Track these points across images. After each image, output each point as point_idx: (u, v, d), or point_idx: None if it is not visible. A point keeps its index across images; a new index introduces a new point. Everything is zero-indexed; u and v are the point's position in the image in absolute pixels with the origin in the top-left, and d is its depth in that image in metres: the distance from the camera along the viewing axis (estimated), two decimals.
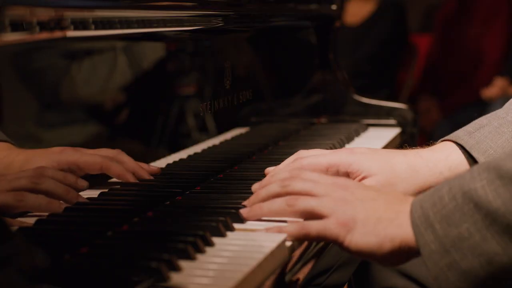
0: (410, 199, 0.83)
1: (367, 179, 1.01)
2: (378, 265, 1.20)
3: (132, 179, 1.06)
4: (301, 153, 1.08)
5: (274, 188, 0.91)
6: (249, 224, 0.90)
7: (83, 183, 1.00)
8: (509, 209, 0.74)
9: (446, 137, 1.09)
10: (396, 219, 0.82)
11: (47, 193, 0.93)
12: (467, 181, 0.77)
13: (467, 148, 1.03)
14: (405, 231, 0.81)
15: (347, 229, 0.83)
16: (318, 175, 0.92)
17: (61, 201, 0.94)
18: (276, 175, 0.97)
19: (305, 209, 0.86)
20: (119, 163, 1.05)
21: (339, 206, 0.84)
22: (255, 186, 0.99)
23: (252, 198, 0.94)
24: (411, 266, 1.15)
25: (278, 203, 0.89)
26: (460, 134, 1.06)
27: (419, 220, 0.79)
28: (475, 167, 0.80)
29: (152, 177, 1.10)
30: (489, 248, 0.75)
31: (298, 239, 0.86)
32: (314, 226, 0.85)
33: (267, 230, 0.87)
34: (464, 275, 0.76)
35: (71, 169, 1.00)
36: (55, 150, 1.01)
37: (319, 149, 1.11)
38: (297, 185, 0.89)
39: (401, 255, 0.82)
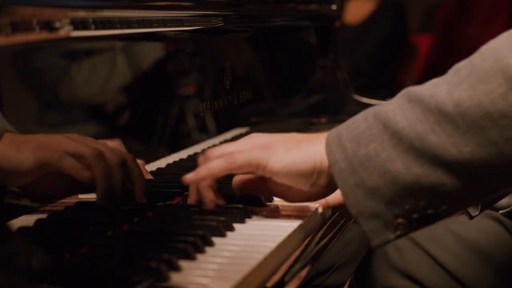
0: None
1: None
2: (379, 265, 1.21)
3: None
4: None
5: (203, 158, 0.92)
6: (251, 223, 0.90)
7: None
8: (413, 129, 0.76)
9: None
10: (316, 137, 0.85)
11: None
12: (381, 105, 0.80)
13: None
14: (323, 150, 0.83)
15: (270, 151, 0.86)
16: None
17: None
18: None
19: (230, 154, 0.88)
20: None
21: (259, 139, 0.90)
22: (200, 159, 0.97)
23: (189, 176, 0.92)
24: (412, 266, 1.16)
25: (217, 161, 0.89)
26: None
27: (332, 139, 0.82)
28: (396, 97, 0.82)
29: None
30: (394, 167, 0.76)
31: (227, 171, 0.89)
32: (239, 156, 0.87)
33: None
34: (371, 193, 0.78)
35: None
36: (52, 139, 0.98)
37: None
38: (221, 149, 0.91)
39: (319, 174, 0.84)
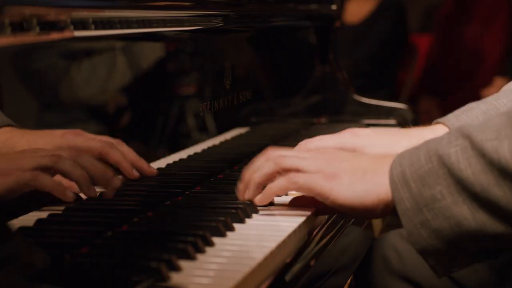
0: (393, 157, 0.85)
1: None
2: (379, 269, 1.20)
3: (128, 168, 1.05)
4: (305, 141, 1.10)
5: (268, 165, 0.93)
6: (251, 223, 0.90)
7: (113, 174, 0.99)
8: (477, 179, 0.76)
9: (438, 119, 1.11)
10: (382, 168, 0.84)
11: (65, 173, 0.92)
12: (443, 145, 0.80)
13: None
14: (387, 182, 0.84)
15: (333, 181, 0.86)
16: (302, 148, 0.99)
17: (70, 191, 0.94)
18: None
19: (293, 175, 0.89)
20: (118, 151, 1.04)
21: (326, 164, 0.88)
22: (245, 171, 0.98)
23: (250, 185, 0.95)
24: (412, 271, 1.15)
25: (278, 181, 0.91)
26: (449, 116, 1.10)
27: (397, 177, 0.82)
28: (453, 130, 0.82)
29: (153, 172, 1.10)
30: (459, 212, 0.78)
31: (286, 191, 0.91)
32: (301, 178, 0.88)
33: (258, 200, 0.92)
34: (435, 233, 0.79)
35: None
36: (57, 133, 1.00)
37: (322, 135, 1.12)
38: (287, 162, 0.91)
39: (383, 207, 0.84)
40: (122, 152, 1.06)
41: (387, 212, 0.85)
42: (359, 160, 0.89)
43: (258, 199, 0.94)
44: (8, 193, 0.88)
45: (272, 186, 0.92)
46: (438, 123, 1.10)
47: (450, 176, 0.78)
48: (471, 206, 0.77)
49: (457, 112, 1.10)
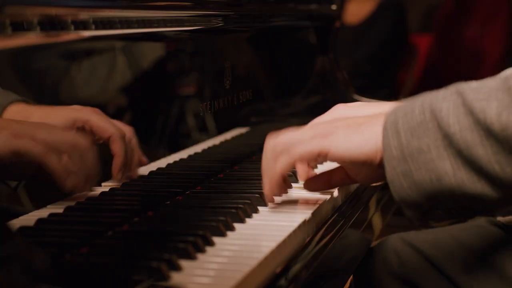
0: (389, 110, 0.86)
1: None
2: (379, 272, 1.20)
3: (116, 169, 1.04)
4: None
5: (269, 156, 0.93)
6: (251, 223, 0.90)
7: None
8: (463, 136, 0.77)
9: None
10: (377, 119, 0.85)
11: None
12: (438, 99, 0.81)
13: None
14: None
15: (330, 138, 0.87)
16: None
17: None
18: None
19: (290, 148, 0.90)
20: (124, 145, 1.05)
21: (320, 128, 0.90)
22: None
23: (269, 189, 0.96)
24: (413, 273, 1.15)
25: (279, 160, 0.91)
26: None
27: (389, 125, 0.83)
28: (450, 87, 0.83)
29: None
30: (442, 166, 0.79)
31: (292, 165, 0.91)
32: (299, 147, 0.89)
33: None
34: (416, 185, 0.80)
35: (84, 129, 0.99)
36: (74, 107, 1.02)
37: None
38: (282, 139, 0.92)
39: (379, 157, 0.85)
40: (133, 147, 1.07)
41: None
42: (353, 118, 0.90)
43: (267, 189, 0.94)
44: (15, 157, 0.86)
45: (276, 167, 0.91)
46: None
47: (438, 129, 0.79)
48: (453, 162, 0.78)
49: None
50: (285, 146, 0.91)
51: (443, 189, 0.80)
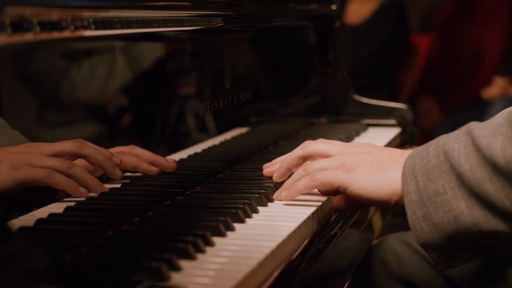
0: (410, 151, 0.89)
1: None
2: (378, 273, 1.20)
3: (147, 167, 1.09)
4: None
5: (299, 173, 0.98)
6: (251, 223, 0.90)
7: (117, 159, 1.04)
8: (473, 174, 0.79)
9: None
10: (398, 161, 0.88)
11: (89, 159, 0.99)
12: (451, 141, 0.83)
13: None
14: (400, 176, 0.87)
15: (352, 173, 0.90)
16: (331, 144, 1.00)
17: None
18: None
19: (314, 171, 0.94)
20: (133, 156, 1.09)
21: (347, 158, 0.92)
22: (266, 165, 1.08)
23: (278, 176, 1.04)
24: (411, 274, 1.15)
25: (302, 180, 0.96)
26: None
27: (408, 170, 0.85)
28: (463, 127, 0.85)
29: (173, 166, 1.14)
30: (457, 206, 0.80)
31: (312, 188, 0.95)
32: (322, 175, 0.93)
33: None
34: (436, 227, 0.82)
35: (87, 167, 1.02)
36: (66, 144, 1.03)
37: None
38: (314, 165, 0.96)
39: (396, 199, 0.87)
40: (138, 156, 1.10)
41: (401, 204, 0.87)
42: (380, 153, 0.92)
43: (284, 196, 0.98)
44: (19, 187, 0.91)
45: (297, 185, 0.96)
46: None
47: (452, 170, 0.81)
48: (468, 201, 0.80)
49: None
50: (313, 168, 0.95)
51: (460, 228, 0.80)
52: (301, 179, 0.96)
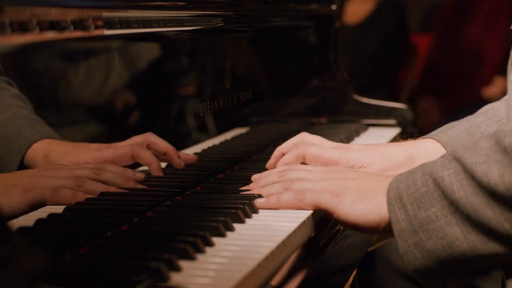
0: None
1: (366, 168, 1.07)
2: (382, 269, 1.20)
3: (157, 170, 1.11)
4: (305, 136, 1.13)
5: (272, 177, 0.99)
6: (251, 223, 0.90)
7: (141, 175, 1.06)
8: (469, 200, 0.79)
9: (425, 135, 1.16)
10: (383, 189, 0.88)
11: (109, 183, 1.01)
12: (438, 168, 0.83)
13: (443, 144, 1.11)
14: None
15: (338, 199, 0.90)
16: (313, 167, 1.00)
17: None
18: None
19: (300, 190, 0.94)
20: (149, 149, 1.11)
21: (333, 183, 0.92)
22: (255, 177, 1.05)
23: (252, 185, 1.01)
24: None
25: (287, 195, 0.95)
26: (436, 132, 1.15)
27: (394, 199, 0.85)
28: (446, 154, 0.85)
29: (181, 165, 1.17)
30: (452, 232, 0.81)
31: (294, 207, 0.94)
32: (309, 196, 0.92)
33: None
34: (429, 254, 0.83)
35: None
36: (93, 147, 1.07)
37: (321, 137, 1.14)
38: (293, 174, 0.97)
39: (384, 226, 0.88)
40: (154, 144, 1.13)
41: (388, 231, 0.88)
42: (364, 180, 0.92)
43: (260, 203, 0.96)
44: (31, 208, 0.94)
45: (280, 199, 0.95)
46: (425, 138, 1.15)
47: (444, 198, 0.81)
48: (463, 227, 0.80)
49: (443, 128, 1.15)
50: (295, 184, 0.94)
51: (455, 254, 0.81)
52: (286, 195, 0.94)
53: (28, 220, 0.89)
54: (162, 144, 1.14)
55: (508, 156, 0.78)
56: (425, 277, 0.85)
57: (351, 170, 0.98)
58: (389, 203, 0.85)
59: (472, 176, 0.79)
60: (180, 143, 1.31)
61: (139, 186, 1.04)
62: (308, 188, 0.93)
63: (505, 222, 0.78)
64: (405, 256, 0.84)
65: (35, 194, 0.93)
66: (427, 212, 0.82)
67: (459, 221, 0.80)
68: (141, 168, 1.13)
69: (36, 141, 1.02)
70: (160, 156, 1.14)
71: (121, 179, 1.02)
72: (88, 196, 0.97)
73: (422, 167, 0.86)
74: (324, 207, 0.91)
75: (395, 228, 0.84)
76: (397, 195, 0.85)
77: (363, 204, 0.89)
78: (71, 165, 1.01)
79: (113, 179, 1.01)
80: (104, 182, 1.00)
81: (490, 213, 0.78)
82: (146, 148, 1.11)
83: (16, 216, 0.92)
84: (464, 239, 0.80)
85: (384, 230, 0.88)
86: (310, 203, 0.92)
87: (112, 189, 1.00)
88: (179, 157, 1.16)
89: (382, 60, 3.60)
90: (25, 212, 0.93)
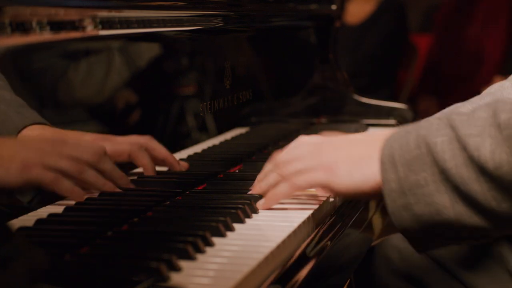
0: (385, 137, 0.87)
1: None
2: (381, 269, 1.20)
3: (152, 174, 1.10)
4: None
5: (272, 176, 0.97)
6: (251, 223, 0.90)
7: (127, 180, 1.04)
8: (459, 172, 0.79)
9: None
10: (375, 153, 0.86)
11: (104, 174, 0.98)
12: (432, 132, 0.82)
13: None
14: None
15: (332, 172, 0.89)
16: (301, 146, 0.97)
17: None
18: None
19: (292, 174, 0.92)
20: (148, 152, 1.09)
21: (323, 157, 0.91)
22: (260, 176, 1.03)
23: (256, 189, 1.00)
24: (415, 270, 1.15)
25: (281, 187, 0.94)
26: (438, 114, 1.11)
27: (386, 158, 0.84)
28: (443, 116, 0.84)
29: (182, 168, 1.16)
30: (440, 200, 0.80)
31: (291, 195, 0.94)
32: (301, 179, 0.92)
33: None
34: (416, 217, 0.82)
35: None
36: (87, 137, 1.04)
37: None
38: (289, 168, 0.94)
39: (381, 189, 0.86)
40: (153, 150, 1.11)
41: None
42: (354, 145, 0.91)
43: (261, 204, 0.96)
44: (28, 186, 0.91)
45: (277, 193, 0.95)
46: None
47: (435, 164, 0.80)
48: (451, 196, 0.80)
49: (446, 111, 1.13)
50: (289, 172, 0.93)
51: (442, 221, 0.81)
52: (280, 186, 0.94)
53: (28, 220, 0.89)
54: (161, 151, 1.13)
55: (501, 133, 0.77)
56: (412, 238, 0.85)
57: (342, 138, 0.96)
58: (382, 162, 0.84)
59: (463, 147, 0.79)
60: (180, 143, 1.31)
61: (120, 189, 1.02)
62: (300, 169, 0.92)
63: (492, 200, 0.77)
64: (393, 216, 0.84)
65: (35, 176, 0.89)
66: (417, 176, 0.81)
67: (448, 190, 0.80)
68: (136, 170, 1.13)
69: (25, 126, 0.99)
70: (157, 161, 1.13)
71: (118, 173, 1.01)
72: (87, 194, 0.96)
73: (417, 128, 0.84)
74: (318, 184, 0.90)
75: (385, 187, 0.83)
76: (389, 154, 0.84)
77: (358, 173, 0.87)
78: (74, 140, 0.99)
79: (111, 170, 0.99)
80: (102, 172, 0.98)
81: (478, 188, 0.78)
82: (145, 151, 1.09)
83: (11, 189, 0.90)
84: (451, 208, 0.80)
85: (381, 194, 0.87)
86: (304, 186, 0.92)
87: (110, 186, 0.99)
88: (178, 163, 1.15)
89: (382, 60, 3.60)
90: (21, 188, 0.91)
